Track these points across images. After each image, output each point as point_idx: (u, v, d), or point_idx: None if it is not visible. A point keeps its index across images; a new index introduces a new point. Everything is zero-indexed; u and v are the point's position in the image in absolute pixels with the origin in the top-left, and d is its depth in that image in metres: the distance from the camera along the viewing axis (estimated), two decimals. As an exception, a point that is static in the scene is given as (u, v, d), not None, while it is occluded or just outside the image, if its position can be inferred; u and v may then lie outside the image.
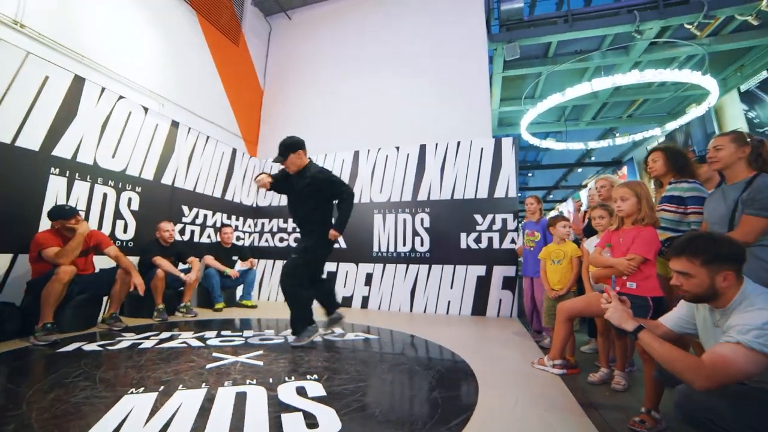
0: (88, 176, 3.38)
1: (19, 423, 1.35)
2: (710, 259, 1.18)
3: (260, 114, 6.54)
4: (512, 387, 1.89)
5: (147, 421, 1.38)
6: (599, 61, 6.55)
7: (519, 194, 4.65)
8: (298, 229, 2.91)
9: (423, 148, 4.88)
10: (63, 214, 2.84)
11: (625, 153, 10.87)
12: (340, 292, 4.85)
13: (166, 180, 4.19)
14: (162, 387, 1.72)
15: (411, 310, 4.51)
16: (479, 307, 4.26)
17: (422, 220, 4.70)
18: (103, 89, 3.55)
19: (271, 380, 1.86)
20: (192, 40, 5.06)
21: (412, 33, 5.71)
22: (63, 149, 3.22)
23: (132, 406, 1.50)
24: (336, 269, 4.96)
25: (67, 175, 3.23)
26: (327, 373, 2.00)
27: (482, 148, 4.58)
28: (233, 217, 5.34)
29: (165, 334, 2.83)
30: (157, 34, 4.53)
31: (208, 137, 4.84)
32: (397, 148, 5.02)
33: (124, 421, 1.38)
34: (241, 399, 1.60)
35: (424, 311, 4.46)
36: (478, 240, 4.40)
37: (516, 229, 4.25)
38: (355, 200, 4.89)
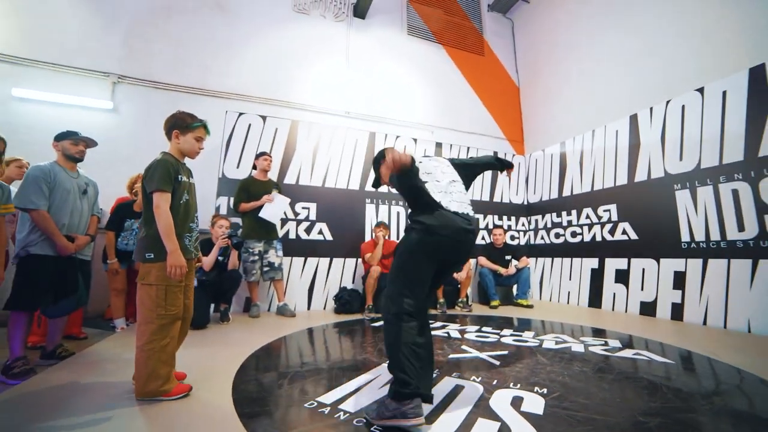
0: (386, 200, 4.66)
1: (333, 363, 2.13)
2: None
3: (520, 111, 6.40)
4: None
5: (384, 384, 1.77)
6: None
7: None
8: None
9: (760, 69, 3.06)
10: (377, 224, 4.15)
11: None
12: (638, 296, 3.83)
13: (437, 193, 5.01)
14: (408, 365, 2.11)
15: (772, 331, 2.86)
16: None
17: (775, 186, 2.92)
18: (386, 135, 4.82)
19: (495, 382, 1.83)
20: (444, 69, 5.83)
21: None
22: (369, 185, 4.62)
23: (381, 372, 1.96)
24: (627, 267, 3.97)
25: (374, 202, 4.61)
26: (561, 390, 1.71)
27: None
28: (504, 218, 5.49)
29: (439, 324, 3.36)
30: (420, 78, 5.61)
31: (468, 148, 5.33)
32: (701, 89, 3.43)
33: (374, 379, 1.86)
34: (455, 392, 1.70)
35: (809, 336, 2.70)
36: None
37: None
38: (644, 177, 3.84)
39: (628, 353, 2.35)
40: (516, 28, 6.58)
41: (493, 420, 1.41)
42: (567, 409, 1.51)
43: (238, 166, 4.07)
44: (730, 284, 3.13)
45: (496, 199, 5.47)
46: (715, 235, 3.26)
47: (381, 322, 2.58)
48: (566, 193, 4.91)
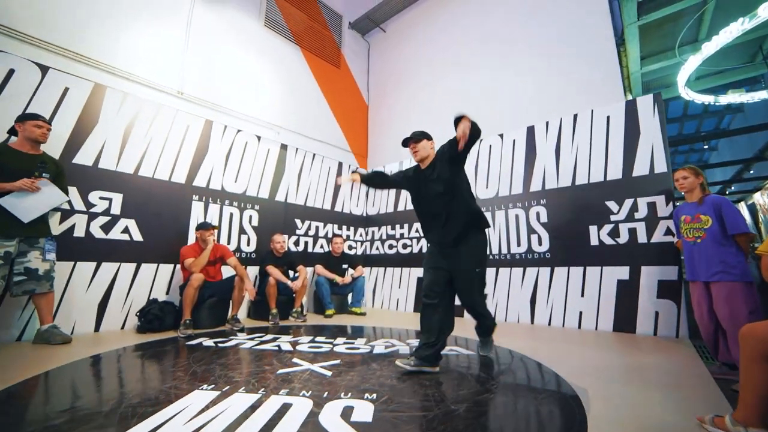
0: (218, 199, 4.05)
1: (130, 397, 1.57)
2: None
3: (367, 127, 6.81)
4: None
5: (194, 416, 1.42)
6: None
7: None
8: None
9: (531, 130, 4.14)
10: (204, 225, 3.50)
11: None
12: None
13: (280, 197, 4.71)
14: (227, 387, 1.77)
15: (532, 322, 3.79)
16: (624, 321, 3.25)
17: (538, 214, 3.95)
18: (225, 127, 4.25)
19: (326, 394, 1.71)
20: (299, 72, 5.64)
21: (508, 5, 5.02)
22: (200, 180, 3.95)
23: (192, 402, 1.57)
24: (443, 275, 4.61)
25: (203, 200, 3.94)
26: (388, 394, 1.73)
27: (608, 117, 3.57)
28: (344, 227, 5.61)
29: (269, 336, 3.06)
30: (271, 74, 5.22)
31: (314, 155, 5.26)
32: (501, 135, 4.40)
33: (178, 413, 1.45)
34: (282, 411, 1.49)
35: (549, 323, 3.68)
36: (614, 233, 3.40)
37: (671, 216, 3.11)
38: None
39: (444, 350, 2.64)
40: (371, 51, 7.04)
41: (321, 437, 1.28)
42: (394, 411, 1.53)
43: (-19, 127, 2.78)
44: (511, 288, 4.02)
45: (338, 209, 5.57)
46: (504, 249, 4.15)
47: (199, 340, 2.17)
48: (401, 207, 5.42)
